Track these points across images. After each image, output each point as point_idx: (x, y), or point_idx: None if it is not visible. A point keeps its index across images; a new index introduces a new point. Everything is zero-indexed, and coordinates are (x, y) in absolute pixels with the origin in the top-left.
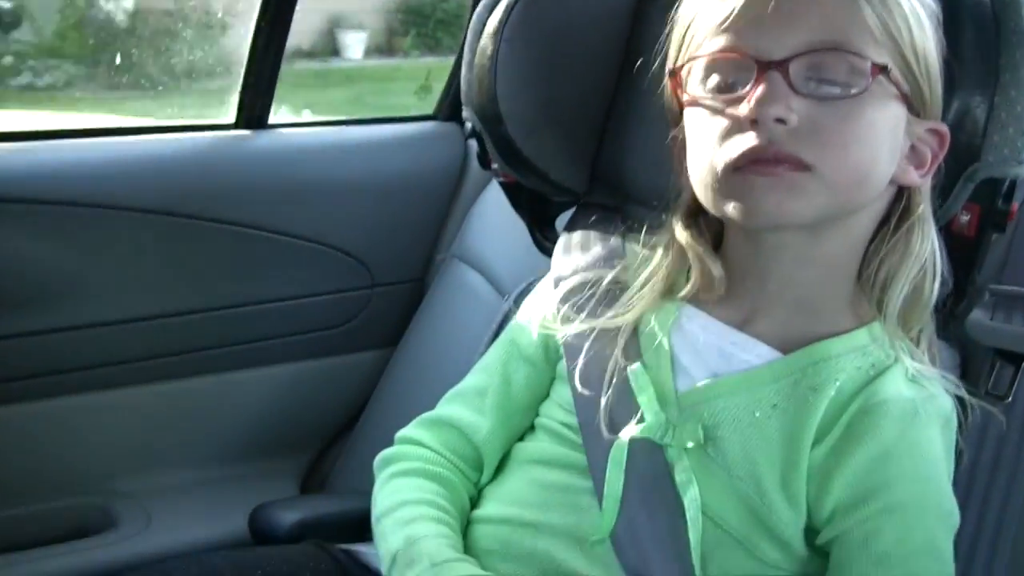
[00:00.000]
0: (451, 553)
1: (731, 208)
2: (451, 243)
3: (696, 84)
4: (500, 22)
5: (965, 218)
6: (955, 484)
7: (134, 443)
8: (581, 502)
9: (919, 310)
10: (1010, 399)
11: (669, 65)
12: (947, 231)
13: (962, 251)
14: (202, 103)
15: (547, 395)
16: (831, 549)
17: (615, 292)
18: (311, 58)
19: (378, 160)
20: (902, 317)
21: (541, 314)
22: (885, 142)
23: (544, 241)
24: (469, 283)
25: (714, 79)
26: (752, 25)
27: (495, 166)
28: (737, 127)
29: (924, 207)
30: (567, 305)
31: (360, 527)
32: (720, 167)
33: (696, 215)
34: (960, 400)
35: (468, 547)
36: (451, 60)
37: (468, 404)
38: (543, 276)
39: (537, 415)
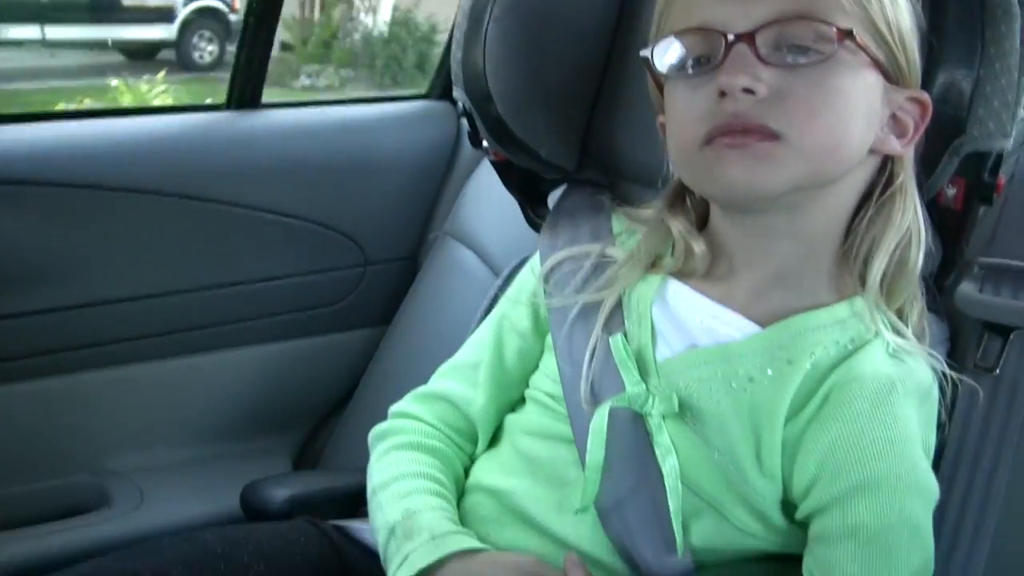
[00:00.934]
0: (450, 526)
1: (706, 185)
2: (444, 221)
3: (669, 64)
4: (489, 1)
5: (952, 191)
6: (940, 464)
7: (128, 422)
8: (568, 472)
9: (903, 282)
10: (997, 371)
11: (645, 52)
12: (934, 205)
13: (950, 224)
14: None
15: (537, 367)
16: (809, 523)
17: (602, 266)
18: None
19: (371, 139)
20: (886, 290)
21: (530, 288)
22: (858, 108)
23: (536, 218)
24: (462, 261)
25: (685, 56)
26: (720, 0)
27: (486, 144)
28: (708, 102)
29: (906, 178)
30: (555, 278)
31: (352, 503)
32: (693, 144)
33: (683, 194)
34: (945, 375)
35: (462, 516)
36: None
37: (461, 377)
38: (535, 253)
39: (527, 387)
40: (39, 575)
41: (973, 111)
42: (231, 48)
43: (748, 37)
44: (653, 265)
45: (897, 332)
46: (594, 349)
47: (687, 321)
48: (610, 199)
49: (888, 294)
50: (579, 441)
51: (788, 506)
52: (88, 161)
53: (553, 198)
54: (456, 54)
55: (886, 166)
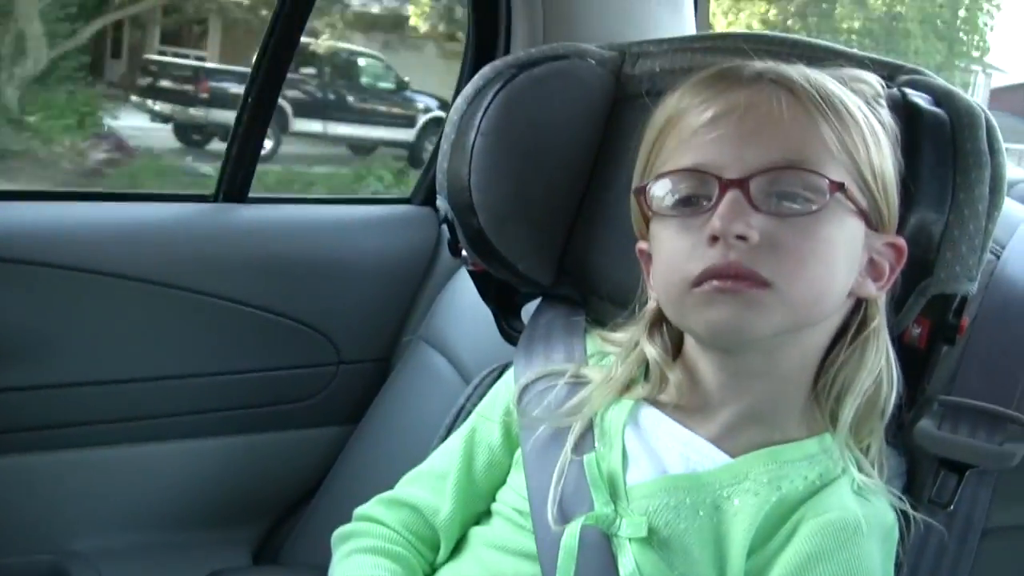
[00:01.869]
0: None
1: (693, 324)
2: (418, 325)
3: (660, 200)
4: (479, 116)
5: (917, 331)
6: None
7: (92, 504)
8: None
9: (872, 421)
10: (951, 508)
11: (636, 182)
12: (899, 343)
13: (913, 362)
14: None
15: (505, 481)
16: None
17: (575, 387)
18: None
19: (352, 240)
20: (854, 428)
21: (504, 403)
22: (843, 257)
23: (509, 330)
24: (434, 366)
25: (677, 195)
26: (715, 143)
27: (464, 253)
28: (699, 243)
29: (880, 319)
30: (528, 396)
31: None
32: (682, 283)
33: (660, 322)
34: (904, 513)
35: None
36: None
37: (428, 486)
38: (506, 363)
39: (494, 500)
40: None
41: (941, 254)
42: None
43: (742, 183)
44: (627, 388)
45: (861, 469)
46: (563, 469)
47: (659, 447)
48: (585, 319)
49: (856, 432)
50: (543, 558)
51: None
52: (69, 243)
53: (527, 311)
54: (442, 164)
55: (860, 307)
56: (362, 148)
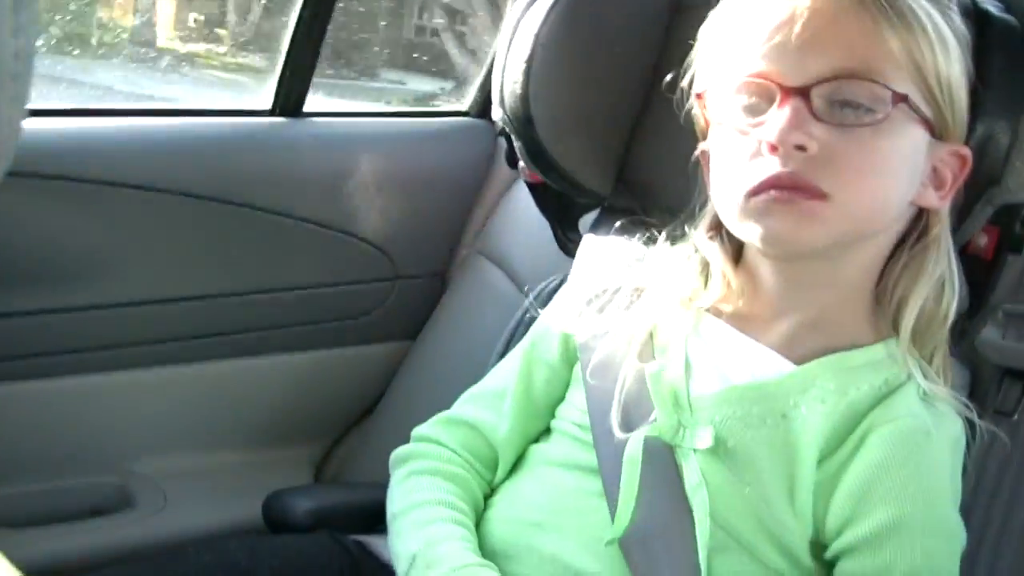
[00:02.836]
0: (471, 557)
1: (749, 231)
2: (475, 239)
3: (721, 106)
4: (537, 26)
5: (983, 240)
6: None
7: (153, 424)
8: (590, 504)
9: (934, 329)
10: (1015, 417)
11: (697, 86)
12: (964, 252)
13: (978, 272)
14: None
15: (564, 397)
16: (837, 562)
17: (635, 297)
18: None
19: (408, 153)
20: (917, 336)
21: (562, 316)
22: (904, 168)
23: (567, 241)
24: (490, 279)
25: (739, 102)
26: (777, 50)
27: (522, 165)
28: (758, 152)
29: (941, 228)
30: (587, 308)
31: (372, 518)
32: (741, 191)
33: (719, 227)
34: (969, 421)
35: (480, 545)
36: None
37: (487, 405)
38: (564, 275)
39: (553, 417)
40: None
41: (1010, 163)
42: None
43: (803, 92)
44: (687, 298)
45: (926, 376)
46: (625, 381)
47: (721, 356)
48: (643, 229)
49: (920, 340)
50: (604, 471)
51: (816, 545)
52: (127, 159)
53: (584, 221)
54: (499, 76)
55: (922, 215)
56: None
